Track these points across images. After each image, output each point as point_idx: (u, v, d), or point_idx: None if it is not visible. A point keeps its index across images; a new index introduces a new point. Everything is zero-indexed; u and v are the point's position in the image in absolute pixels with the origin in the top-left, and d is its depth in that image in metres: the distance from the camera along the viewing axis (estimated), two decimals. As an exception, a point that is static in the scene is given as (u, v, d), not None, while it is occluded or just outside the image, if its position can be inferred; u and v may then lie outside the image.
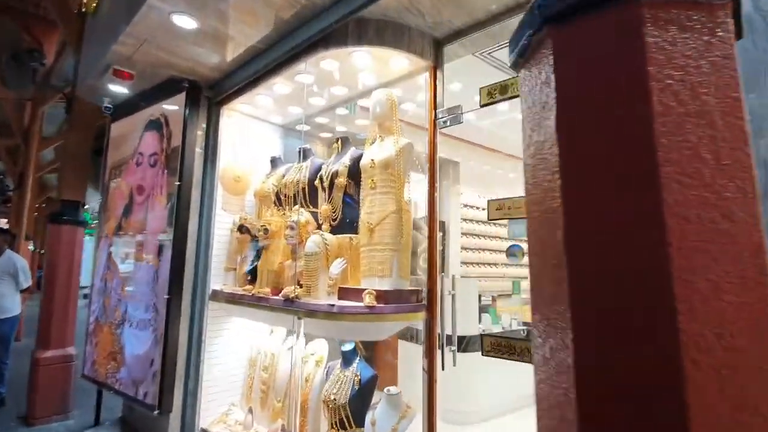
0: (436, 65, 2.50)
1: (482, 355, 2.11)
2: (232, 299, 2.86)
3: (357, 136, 3.19)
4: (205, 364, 3.01)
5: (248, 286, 2.79)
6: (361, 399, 2.37)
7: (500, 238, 6.49)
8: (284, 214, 2.83)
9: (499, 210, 2.16)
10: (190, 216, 3.07)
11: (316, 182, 2.74)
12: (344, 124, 3.68)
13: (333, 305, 2.17)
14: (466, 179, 4.77)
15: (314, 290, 2.34)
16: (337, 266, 2.27)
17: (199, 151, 3.16)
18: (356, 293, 2.27)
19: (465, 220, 4.94)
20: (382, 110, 2.42)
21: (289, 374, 2.75)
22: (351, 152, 2.67)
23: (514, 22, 2.34)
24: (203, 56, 2.79)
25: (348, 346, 2.49)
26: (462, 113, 2.38)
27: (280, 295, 2.51)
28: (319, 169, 2.87)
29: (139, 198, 3.40)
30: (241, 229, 2.98)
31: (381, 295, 2.17)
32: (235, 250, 3.13)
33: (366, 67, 2.56)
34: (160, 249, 3.10)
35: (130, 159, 3.54)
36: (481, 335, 2.13)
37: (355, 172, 2.61)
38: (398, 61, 2.50)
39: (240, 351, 3.22)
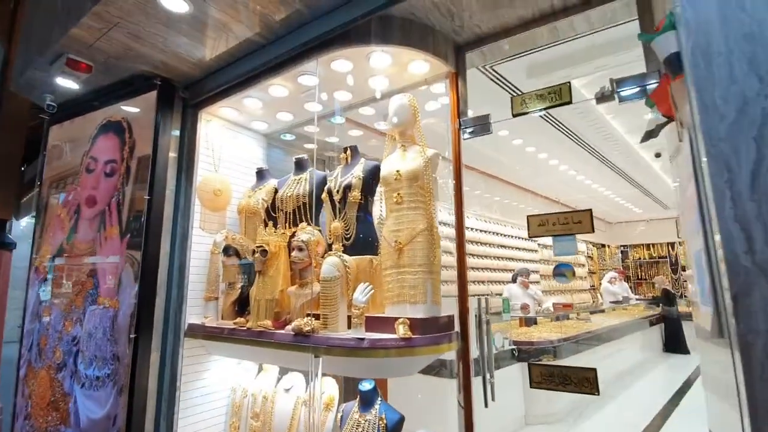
0: (457, 72, 2.34)
1: (531, 387, 1.91)
2: (218, 335, 2.40)
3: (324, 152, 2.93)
4: (180, 414, 2.48)
5: (240, 319, 2.35)
6: (387, 446, 2.04)
7: (479, 255, 6.45)
8: (283, 233, 2.45)
9: (541, 226, 2.01)
10: (162, 236, 2.58)
11: (323, 196, 2.41)
12: (329, 135, 3.40)
13: (362, 339, 1.85)
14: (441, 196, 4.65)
15: (333, 321, 2.00)
16: (362, 292, 1.95)
17: (172, 156, 2.69)
18: (384, 323, 1.97)
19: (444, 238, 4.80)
20: (405, 117, 2.19)
21: (289, 422, 2.34)
22: (364, 164, 2.39)
23: (539, 32, 2.28)
24: (185, 49, 2.38)
25: (368, 385, 2.15)
26: (491, 122, 2.23)
27: (288, 328, 2.12)
28: (323, 181, 2.56)
29: (89, 212, 2.81)
30: (228, 250, 2.54)
31: (415, 324, 1.89)
32: (216, 276, 2.67)
33: (383, 70, 2.33)
34: (119, 281, 2.54)
35: (79, 167, 2.94)
36: (530, 365, 1.93)
37: (369, 185, 2.34)
38: (418, 65, 2.30)
39: (223, 397, 2.72)
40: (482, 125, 2.22)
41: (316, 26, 2.11)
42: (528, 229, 2.02)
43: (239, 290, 2.51)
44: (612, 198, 8.56)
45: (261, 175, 2.92)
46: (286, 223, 2.54)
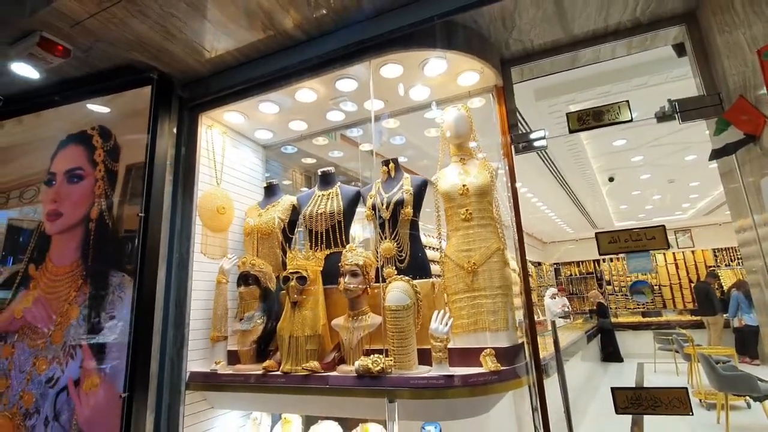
0: (504, 85, 2.27)
1: (617, 413, 1.81)
2: (239, 384, 1.95)
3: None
4: (183, 493, 1.95)
5: (270, 362, 1.94)
6: (465, 500, 1.78)
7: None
8: (316, 256, 2.11)
9: (612, 243, 1.96)
10: (159, 265, 2.08)
11: (367, 213, 2.14)
12: (322, 152, 3.14)
13: (452, 377, 1.60)
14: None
15: (406, 358, 1.72)
16: (443, 322, 1.71)
17: (169, 165, 2.22)
18: (466, 355, 1.75)
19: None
20: (464, 128, 2.06)
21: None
22: (410, 178, 2.18)
23: (583, 53, 2.33)
24: (203, 37, 2.00)
25: (433, 430, 1.89)
26: (546, 138, 2.18)
27: (345, 369, 1.79)
28: (356, 197, 2.30)
29: (53, 227, 2.19)
30: (247, 279, 2.12)
31: (500, 354, 1.70)
32: (224, 311, 2.22)
33: (433, 78, 2.17)
34: (93, 330, 1.97)
35: (29, 178, 2.30)
36: (613, 389, 1.83)
37: (419, 201, 2.14)
38: (469, 76, 2.19)
39: (233, 460, 2.23)
40: (536, 139, 2.16)
41: (376, 24, 1.90)
42: (598, 247, 1.96)
43: (261, 327, 2.09)
44: (552, 218, 9.23)
45: (272, 190, 2.54)
46: (318, 244, 2.21)
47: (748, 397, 4.41)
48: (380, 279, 1.97)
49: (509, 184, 2.12)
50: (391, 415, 1.65)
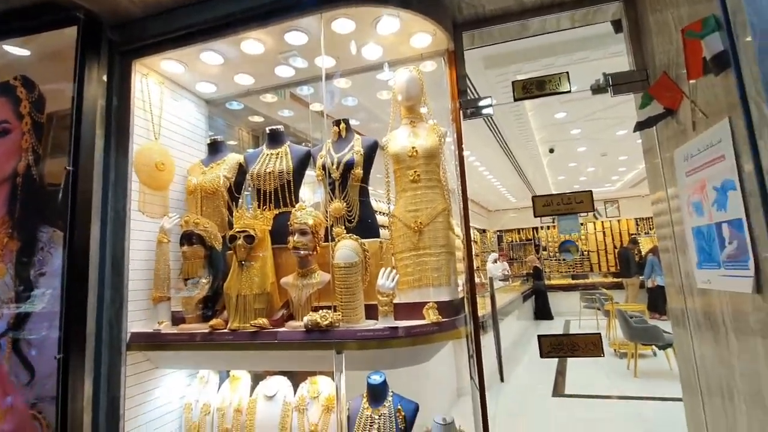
0: (455, 50, 2.30)
1: (542, 357, 2.02)
2: (184, 343, 1.93)
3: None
4: (127, 450, 1.94)
5: (217, 320, 1.94)
6: (406, 439, 1.93)
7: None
8: (263, 215, 2.09)
9: (546, 206, 2.12)
10: (92, 221, 1.95)
11: (317, 173, 2.13)
12: (271, 111, 3.04)
13: (396, 328, 1.70)
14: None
15: (354, 312, 1.79)
16: (389, 277, 1.79)
17: (100, 116, 2.04)
18: (410, 309, 1.85)
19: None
20: (415, 91, 2.07)
21: (278, 432, 2.04)
22: (361, 139, 2.18)
23: (532, 23, 2.39)
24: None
25: (378, 378, 2.00)
26: (493, 105, 2.25)
27: (293, 324, 1.83)
28: (306, 157, 2.27)
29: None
30: (190, 238, 2.06)
31: (442, 308, 1.82)
32: (166, 272, 2.15)
33: (385, 37, 2.14)
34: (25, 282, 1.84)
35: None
36: (539, 336, 2.03)
37: (369, 162, 2.16)
38: (421, 38, 2.18)
39: (177, 417, 2.23)
40: (484, 107, 2.23)
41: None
42: (534, 210, 2.11)
43: (207, 287, 2.06)
44: (497, 187, 9.68)
45: (216, 147, 2.44)
46: (267, 203, 2.17)
47: (654, 346, 5.08)
48: (329, 238, 1.99)
49: (456, 150, 2.20)
50: (339, 366, 1.73)
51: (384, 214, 2.23)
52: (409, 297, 1.91)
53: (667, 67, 1.91)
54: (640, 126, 2.06)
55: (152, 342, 2.01)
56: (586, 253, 11.85)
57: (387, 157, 2.07)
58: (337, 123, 2.20)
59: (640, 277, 8.90)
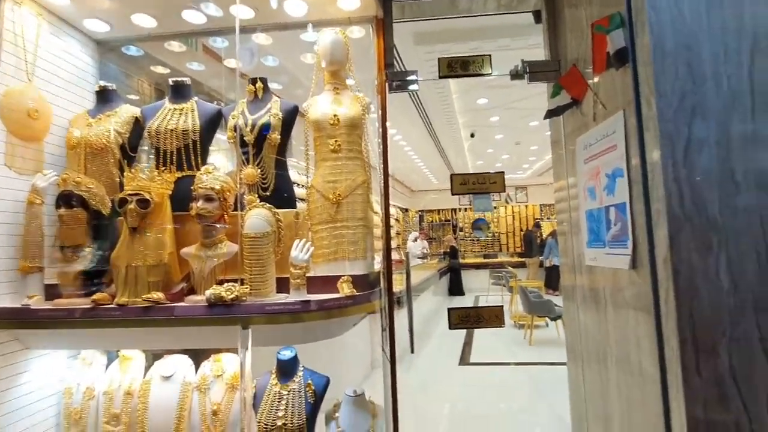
0: (384, 18, 2.22)
1: (450, 328, 2.11)
2: (61, 320, 1.67)
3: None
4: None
5: (102, 294, 1.70)
6: (315, 413, 1.91)
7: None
8: (162, 177, 1.86)
9: (463, 185, 2.18)
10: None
11: (228, 135, 1.94)
12: (178, 62, 2.73)
13: (308, 302, 1.64)
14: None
15: (264, 286, 1.69)
16: (303, 250, 1.71)
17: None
18: (324, 283, 1.80)
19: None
20: (340, 55, 1.97)
21: (176, 415, 1.90)
22: (279, 102, 2.03)
23: (462, 1, 2.38)
24: None
25: (289, 353, 1.94)
26: (418, 80, 2.23)
27: (194, 299, 1.68)
28: (216, 116, 2.06)
29: None
30: (68, 200, 1.76)
31: (357, 281, 1.81)
32: (38, 238, 1.83)
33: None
34: None
35: None
36: (449, 309, 2.12)
37: (288, 128, 2.02)
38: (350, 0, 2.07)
39: (54, 404, 1.95)
40: (410, 81, 2.20)
41: None
42: (451, 188, 2.16)
43: (90, 256, 1.80)
44: (421, 168, 9.93)
45: (106, 96, 2.10)
46: (167, 165, 1.94)
47: (547, 318, 5.69)
48: (240, 206, 1.84)
49: (379, 123, 2.15)
50: (244, 343, 1.63)
51: (302, 186, 2.13)
52: (324, 270, 1.85)
53: (577, 60, 2.04)
54: (550, 114, 2.19)
55: (20, 319, 1.72)
56: (497, 234, 12.82)
57: (307, 124, 1.95)
58: (254, 81, 2.02)
59: (540, 258, 9.89)
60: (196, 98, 2.07)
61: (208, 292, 1.61)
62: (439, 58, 2.17)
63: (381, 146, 2.12)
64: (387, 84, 2.16)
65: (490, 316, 2.10)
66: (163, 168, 1.94)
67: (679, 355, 1.32)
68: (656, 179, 1.39)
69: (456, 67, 2.18)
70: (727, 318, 1.31)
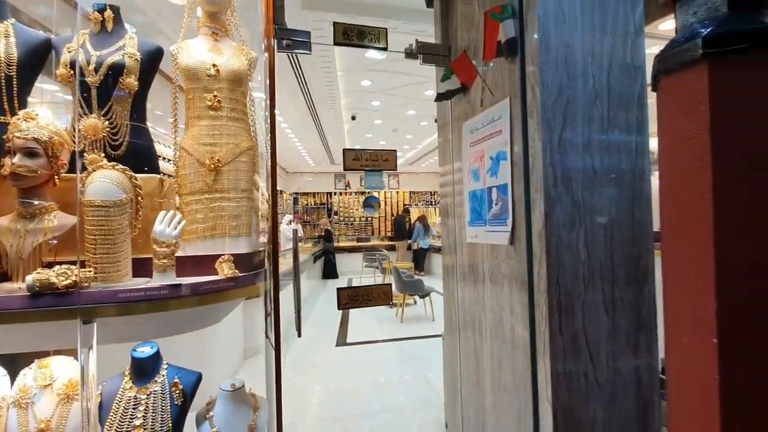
0: (274, -33, 1.96)
1: (339, 308, 2.04)
2: None
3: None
4: None
5: None
6: (184, 416, 1.64)
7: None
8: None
9: (356, 161, 2.10)
10: None
11: (60, 72, 1.47)
12: None
13: (179, 285, 1.37)
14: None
15: (115, 268, 1.34)
16: (171, 224, 1.41)
17: None
18: (198, 264, 1.54)
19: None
20: (222, -4, 1.66)
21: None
22: (137, 39, 1.62)
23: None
24: None
25: (147, 350, 1.61)
26: (310, 42, 2.04)
27: (10, 286, 1.24)
28: (43, 47, 1.56)
29: None
30: None
31: (240, 261, 1.60)
32: None
33: None
34: None
35: None
36: (338, 289, 2.04)
37: (147, 73, 1.64)
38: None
39: None
40: (302, 42, 2.01)
41: None
42: (343, 164, 2.07)
43: None
44: (298, 148, 9.55)
45: None
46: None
47: (416, 296, 6.10)
48: (79, 168, 1.42)
49: (269, 82, 1.92)
50: (87, 341, 1.27)
51: (168, 159, 1.77)
52: (198, 249, 1.58)
53: (467, 47, 2.13)
54: (440, 97, 2.26)
55: None
56: (370, 219, 13.25)
57: (176, 72, 1.61)
58: (101, 9, 1.57)
59: (409, 241, 10.58)
60: (13, 20, 1.52)
61: (29, 278, 1.20)
62: (334, 23, 2.03)
63: (269, 111, 1.89)
64: (276, 42, 1.93)
65: (379, 294, 2.09)
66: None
67: (547, 317, 1.49)
68: (536, 163, 1.52)
69: (352, 36, 2.07)
70: (582, 284, 1.52)
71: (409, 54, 2.21)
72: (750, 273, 0.65)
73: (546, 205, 1.49)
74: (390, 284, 2.09)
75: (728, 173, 0.65)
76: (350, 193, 13.21)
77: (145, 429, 1.50)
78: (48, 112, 1.85)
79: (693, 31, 0.67)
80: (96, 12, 1.56)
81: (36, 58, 1.53)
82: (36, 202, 1.32)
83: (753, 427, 0.65)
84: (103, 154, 1.49)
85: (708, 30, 0.65)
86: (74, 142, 1.45)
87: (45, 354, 1.61)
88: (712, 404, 0.65)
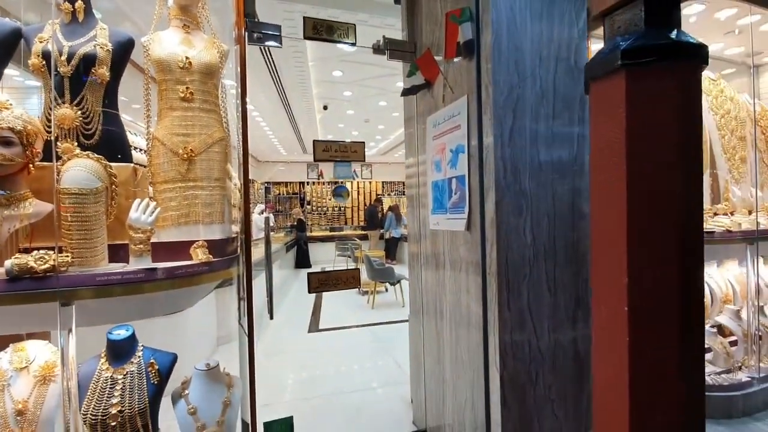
0: (245, -39, 2.01)
1: (309, 292, 2.15)
2: None
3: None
4: None
5: None
6: (159, 395, 1.72)
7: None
8: None
9: (325, 152, 2.20)
10: None
11: (33, 62, 1.49)
12: None
13: (154, 269, 1.44)
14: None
15: (92, 253, 1.40)
16: (146, 211, 1.48)
17: None
18: (173, 250, 1.62)
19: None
20: (194, -12, 1.71)
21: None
22: (108, 30, 1.66)
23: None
24: None
25: (123, 332, 1.68)
26: (281, 35, 2.11)
27: (4, 271, 1.29)
28: (11, 36, 1.57)
29: None
30: None
31: (213, 247, 1.68)
32: None
33: None
34: None
35: None
36: (309, 274, 2.15)
37: (119, 64, 1.68)
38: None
39: None
40: (273, 35, 2.07)
41: None
42: (314, 155, 2.16)
43: None
44: (270, 137, 9.46)
45: None
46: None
47: (387, 283, 6.27)
48: (54, 157, 1.47)
49: (240, 75, 1.98)
50: (66, 323, 1.34)
51: (134, 133, 1.81)
52: (172, 235, 1.65)
53: (431, 45, 2.25)
54: (406, 92, 2.38)
55: None
56: (343, 208, 13.31)
57: (148, 63, 1.66)
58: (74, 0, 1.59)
59: (381, 230, 10.74)
60: (-27, 5, 1.52)
61: (8, 263, 1.25)
62: (304, 17, 2.11)
63: (240, 102, 1.96)
64: (246, 34, 1.99)
65: (348, 278, 2.21)
66: None
67: (497, 294, 1.66)
68: (489, 156, 1.68)
69: (321, 30, 2.15)
70: (528, 264, 1.70)
71: (377, 50, 2.32)
72: (654, 255, 0.77)
73: (497, 194, 1.66)
74: (358, 269, 2.22)
75: (638, 171, 0.77)
76: (323, 183, 13.19)
77: (122, 407, 1.58)
78: (7, 96, 1.85)
79: (615, 44, 0.77)
80: (66, 2, 1.58)
81: (5, 48, 1.54)
82: (11, 192, 1.36)
83: (651, 374, 0.79)
84: (76, 143, 1.53)
85: (627, 43, 0.75)
86: (48, 132, 1.48)
87: (19, 338, 1.65)
88: (622, 360, 0.79)
